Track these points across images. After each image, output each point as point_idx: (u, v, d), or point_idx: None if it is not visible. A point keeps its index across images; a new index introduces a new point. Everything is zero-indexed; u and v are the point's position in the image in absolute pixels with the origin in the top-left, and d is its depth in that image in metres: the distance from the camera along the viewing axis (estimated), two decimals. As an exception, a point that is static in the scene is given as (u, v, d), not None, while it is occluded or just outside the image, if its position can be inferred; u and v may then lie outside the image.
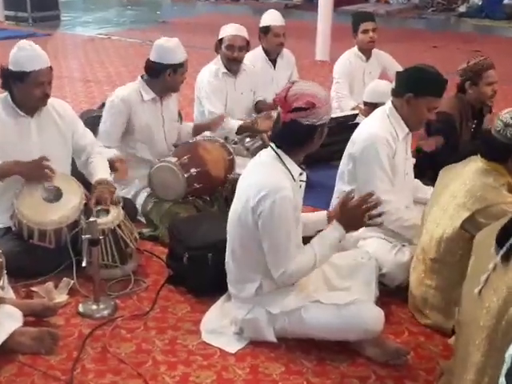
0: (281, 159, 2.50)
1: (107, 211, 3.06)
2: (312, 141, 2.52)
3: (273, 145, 2.53)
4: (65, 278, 2.96)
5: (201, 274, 2.92)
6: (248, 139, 4.43)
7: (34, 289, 2.89)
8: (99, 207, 3.01)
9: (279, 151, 2.50)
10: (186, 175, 3.46)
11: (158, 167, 3.55)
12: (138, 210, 3.56)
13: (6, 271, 2.67)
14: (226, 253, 2.66)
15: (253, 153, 4.27)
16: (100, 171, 3.23)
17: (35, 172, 3.03)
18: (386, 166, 2.96)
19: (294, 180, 2.51)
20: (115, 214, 3.05)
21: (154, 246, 3.41)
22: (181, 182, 3.47)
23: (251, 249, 2.54)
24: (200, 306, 2.85)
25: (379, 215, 2.49)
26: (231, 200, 3.89)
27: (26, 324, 2.56)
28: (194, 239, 2.98)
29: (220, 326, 2.68)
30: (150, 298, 2.92)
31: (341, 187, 3.19)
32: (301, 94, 2.42)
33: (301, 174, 2.56)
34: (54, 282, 2.95)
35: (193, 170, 3.49)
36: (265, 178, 2.47)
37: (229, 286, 2.68)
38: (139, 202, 3.63)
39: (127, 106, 3.58)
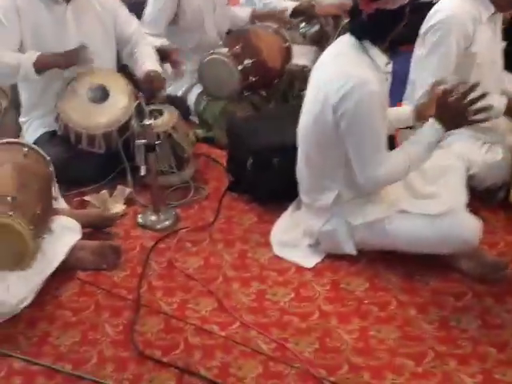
0: (364, 48, 2.14)
1: (160, 111, 2.77)
2: (399, 24, 2.15)
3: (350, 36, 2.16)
4: (120, 186, 2.73)
5: (267, 181, 2.63)
6: (303, 24, 3.99)
7: (87, 198, 2.67)
8: (152, 107, 2.71)
9: (363, 41, 2.14)
10: (239, 67, 3.11)
11: (209, 60, 3.20)
12: (190, 109, 3.24)
13: (55, 179, 2.44)
14: (298, 158, 2.36)
15: (310, 39, 3.88)
16: (148, 62, 2.89)
17: (74, 58, 2.70)
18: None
19: (381, 70, 2.16)
20: (169, 115, 2.75)
21: (210, 149, 3.13)
22: (235, 75, 3.13)
23: (330, 154, 2.23)
24: (268, 215, 2.60)
25: (485, 109, 2.13)
26: (289, 94, 3.67)
27: (83, 237, 2.36)
28: (256, 142, 2.66)
29: (292, 237, 2.44)
30: (213, 207, 2.67)
31: (419, 75, 2.78)
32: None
33: (387, 64, 2.21)
34: (109, 191, 2.72)
35: (247, 61, 3.13)
36: (347, 70, 2.11)
37: (301, 195, 2.41)
38: (190, 100, 3.31)
39: None
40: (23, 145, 2.34)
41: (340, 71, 2.13)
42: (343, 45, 2.20)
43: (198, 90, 3.29)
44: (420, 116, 2.34)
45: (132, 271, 2.30)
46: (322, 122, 2.18)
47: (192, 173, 2.87)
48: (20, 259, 2.07)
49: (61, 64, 2.69)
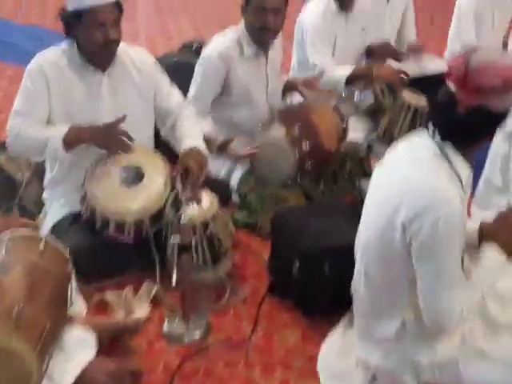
0: (446, 154, 1.79)
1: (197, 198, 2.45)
2: (494, 131, 1.80)
3: (434, 135, 1.81)
4: (146, 283, 2.40)
5: (315, 289, 2.28)
6: (357, 93, 3.66)
7: (107, 298, 2.35)
8: (188, 194, 2.39)
9: (447, 145, 1.79)
10: (297, 154, 2.78)
11: (263, 144, 2.87)
12: (230, 192, 2.91)
13: (74, 272, 2.13)
14: (355, 276, 2.01)
15: (363, 111, 3.55)
16: (190, 137, 2.57)
17: (109, 140, 2.40)
18: None
19: (462, 186, 1.81)
20: (209, 203, 2.42)
21: (250, 238, 2.79)
22: (291, 162, 2.80)
23: (395, 275, 1.87)
24: (314, 330, 2.24)
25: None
26: (339, 175, 3.33)
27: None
28: (305, 241, 2.31)
29: (344, 366, 2.06)
30: (250, 315, 2.32)
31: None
32: (491, 66, 1.67)
33: (469, 176, 1.86)
34: (133, 285, 2.40)
35: (305, 144, 2.80)
36: (425, 183, 1.77)
37: (356, 317, 2.05)
38: (234, 178, 2.99)
39: (226, 62, 2.89)
40: (40, 239, 2.03)
41: (416, 183, 1.78)
42: (421, 145, 1.85)
43: (243, 169, 2.98)
44: (487, 236, 1.97)
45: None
46: (389, 237, 1.82)
47: (228, 268, 2.53)
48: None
49: (93, 142, 2.40)
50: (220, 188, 2.71)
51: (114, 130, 2.40)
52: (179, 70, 3.29)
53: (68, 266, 2.05)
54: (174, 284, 2.08)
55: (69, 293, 2.03)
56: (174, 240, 2.11)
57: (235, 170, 3.01)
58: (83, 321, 2.08)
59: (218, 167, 2.96)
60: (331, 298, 2.25)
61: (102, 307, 2.33)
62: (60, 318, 1.94)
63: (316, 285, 2.26)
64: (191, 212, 2.32)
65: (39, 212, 2.78)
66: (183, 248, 2.12)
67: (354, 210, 2.28)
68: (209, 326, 2.25)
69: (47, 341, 1.79)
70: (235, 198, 2.94)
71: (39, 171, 2.77)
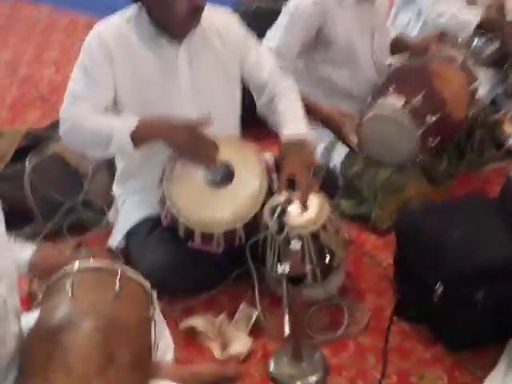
0: None
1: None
2: None
3: None
4: (244, 305, 1.94)
5: (463, 320, 1.77)
6: (476, 39, 3.00)
7: (197, 325, 1.91)
8: (293, 196, 1.88)
9: None
10: (420, 130, 2.20)
11: (374, 116, 2.27)
12: (337, 180, 2.36)
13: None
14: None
15: (485, 60, 2.92)
16: (291, 122, 2.03)
17: (191, 148, 1.89)
18: None
19: None
20: (319, 207, 1.91)
21: (362, 233, 2.29)
22: (413, 140, 2.21)
23: None
24: (462, 370, 1.74)
25: None
26: (466, 146, 2.73)
27: None
28: (450, 257, 1.75)
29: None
30: (375, 348, 1.83)
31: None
32: None
33: None
34: (226, 305, 1.97)
35: (429, 118, 2.20)
36: None
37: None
38: (335, 159, 2.45)
39: (322, 10, 2.28)
40: (114, 273, 1.57)
41: None
42: None
43: (343, 149, 2.42)
44: None
45: None
46: None
47: (341, 282, 2.05)
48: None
49: (173, 146, 1.92)
50: (326, 179, 2.18)
51: (198, 136, 1.89)
52: (259, 19, 2.75)
53: (151, 307, 1.60)
54: (286, 333, 1.60)
55: (153, 340, 1.60)
56: (283, 269, 1.62)
57: (336, 146, 2.47)
58: (170, 373, 1.64)
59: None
60: (486, 329, 1.75)
61: (191, 336, 1.91)
62: (145, 380, 1.51)
63: (466, 314, 1.74)
64: (297, 222, 1.83)
65: (108, 209, 2.36)
66: (296, 280, 1.63)
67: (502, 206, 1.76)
68: (326, 366, 1.78)
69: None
70: (340, 182, 2.41)
71: (108, 160, 2.33)
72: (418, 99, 2.19)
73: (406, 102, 2.19)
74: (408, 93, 2.22)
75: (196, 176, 1.95)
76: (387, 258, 2.12)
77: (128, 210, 2.14)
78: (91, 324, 1.41)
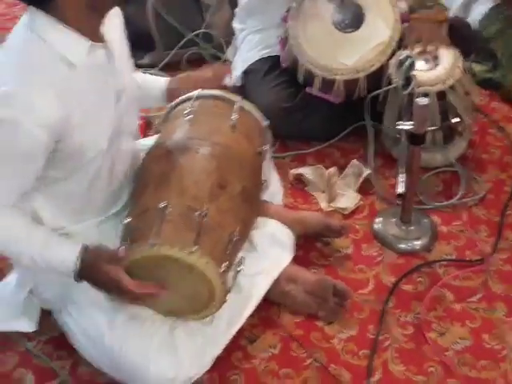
0: None
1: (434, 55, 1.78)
2: None
3: None
4: (355, 162, 1.88)
5: None
6: None
7: (306, 174, 1.87)
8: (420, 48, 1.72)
9: None
10: None
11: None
12: (475, 36, 2.12)
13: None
14: None
15: None
16: None
17: None
18: None
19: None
20: (450, 66, 1.75)
21: (492, 100, 2.11)
22: None
23: None
24: None
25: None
26: None
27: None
28: None
29: None
30: (489, 222, 1.73)
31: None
32: None
33: None
34: (337, 158, 1.91)
35: None
36: None
37: None
38: (475, 14, 2.20)
39: None
40: (232, 102, 1.51)
41: None
42: None
43: (488, 2, 2.16)
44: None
45: (362, 330, 1.52)
46: None
47: (462, 150, 1.92)
48: (202, 307, 1.39)
49: None
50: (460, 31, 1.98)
51: None
52: None
53: (265, 144, 1.56)
54: (398, 192, 1.53)
55: (262, 177, 1.57)
56: (404, 126, 1.52)
57: (475, 2, 2.22)
58: (278, 214, 1.64)
59: None
60: None
61: (299, 185, 1.89)
62: (252, 216, 1.50)
63: None
64: (425, 78, 1.69)
65: (227, 45, 2.30)
66: (416, 140, 1.53)
67: None
68: (435, 233, 1.72)
69: (234, 252, 1.39)
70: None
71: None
72: None
73: None
74: None
75: (324, 15, 1.82)
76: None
77: (247, 48, 2.07)
78: (208, 150, 1.41)
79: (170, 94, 1.51)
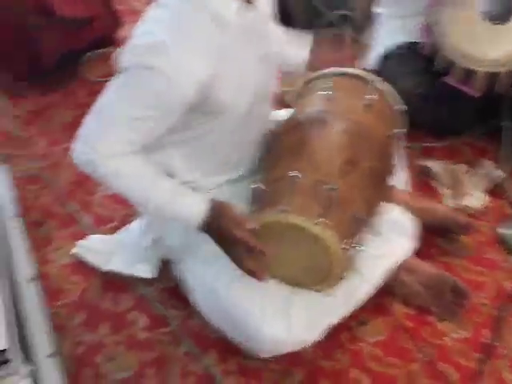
0: None
1: None
2: None
3: None
4: (486, 161, 1.79)
5: None
6: None
7: (432, 167, 1.81)
8: None
9: None
10: None
11: None
12: None
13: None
14: None
15: None
16: None
17: None
18: None
19: None
20: None
21: None
22: None
23: None
24: None
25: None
26: None
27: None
28: None
29: None
30: None
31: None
32: None
33: None
34: (466, 159, 1.83)
35: None
36: None
37: None
38: None
39: None
40: (368, 82, 1.49)
41: None
42: None
43: None
44: None
45: (476, 333, 1.46)
46: None
47: None
48: (320, 280, 1.38)
49: None
50: None
51: None
52: None
53: (398, 126, 1.52)
54: None
55: (392, 162, 1.53)
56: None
57: None
58: (405, 201, 1.60)
59: None
60: None
61: (424, 178, 1.83)
62: (377, 198, 1.46)
63: None
64: None
65: (367, 28, 2.26)
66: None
67: None
68: None
69: (357, 231, 1.37)
70: None
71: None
72: None
73: None
74: None
75: (472, 4, 1.74)
76: None
77: (387, 33, 2.02)
78: (341, 126, 1.39)
79: (311, 65, 1.51)
